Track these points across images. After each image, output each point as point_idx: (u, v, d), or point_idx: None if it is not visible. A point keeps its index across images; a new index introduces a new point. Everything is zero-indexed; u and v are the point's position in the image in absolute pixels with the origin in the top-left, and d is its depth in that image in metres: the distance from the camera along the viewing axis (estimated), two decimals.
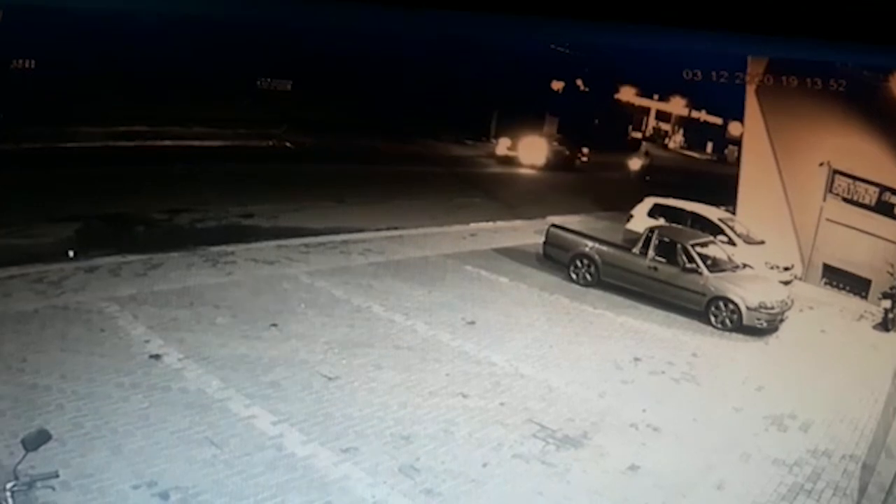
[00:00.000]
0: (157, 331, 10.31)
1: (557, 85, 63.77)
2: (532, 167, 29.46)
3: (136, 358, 9.40)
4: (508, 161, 36.89)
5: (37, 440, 5.07)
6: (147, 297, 11.58)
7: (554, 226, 16.75)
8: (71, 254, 12.91)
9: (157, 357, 9.48)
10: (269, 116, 34.13)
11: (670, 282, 14.05)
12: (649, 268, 14.23)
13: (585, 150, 34.05)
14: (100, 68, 28.51)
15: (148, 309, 11.10)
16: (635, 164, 31.09)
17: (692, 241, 14.54)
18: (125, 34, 30.34)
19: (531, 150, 30.83)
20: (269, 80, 41.50)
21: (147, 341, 9.92)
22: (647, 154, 47.31)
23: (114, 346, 9.64)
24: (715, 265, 14.45)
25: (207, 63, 31.26)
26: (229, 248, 14.65)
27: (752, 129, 20.80)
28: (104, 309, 10.82)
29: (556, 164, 30.84)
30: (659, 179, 28.84)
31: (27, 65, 28.73)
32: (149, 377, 8.94)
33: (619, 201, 24.81)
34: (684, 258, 13.99)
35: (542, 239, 16.66)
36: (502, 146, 32.13)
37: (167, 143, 27.62)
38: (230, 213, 18.08)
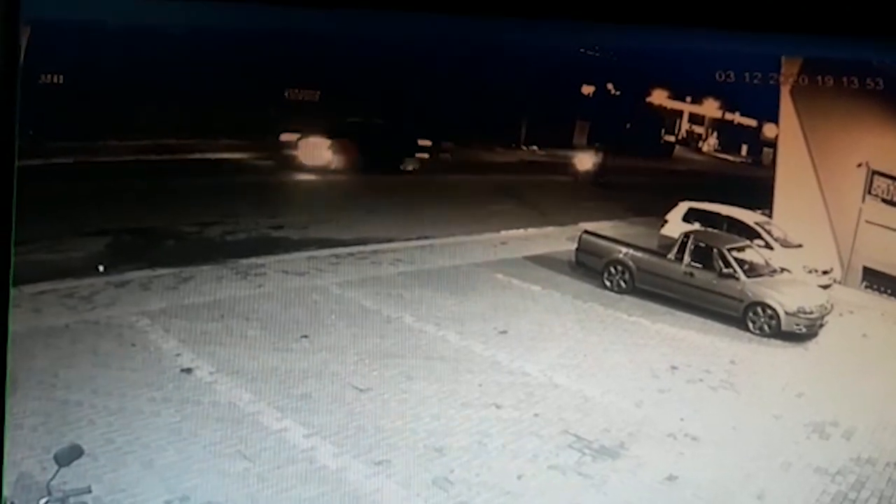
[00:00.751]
0: (188, 344, 10.35)
1: (588, 89, 63.55)
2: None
3: (167, 372, 9.45)
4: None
5: (69, 455, 5.16)
6: (178, 311, 11.62)
7: (586, 232, 16.62)
8: (101, 268, 12.98)
9: (188, 371, 9.52)
10: (297, 127, 34.37)
11: (707, 287, 13.90)
12: (685, 273, 14.08)
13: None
14: (127, 82, 28.96)
15: (179, 322, 11.15)
16: (584, 163, 30.16)
17: (728, 246, 14.37)
18: (152, 47, 30.87)
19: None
20: (297, 90, 41.75)
21: (178, 355, 9.97)
22: (599, 151, 46.06)
23: (145, 361, 9.70)
24: (752, 270, 14.27)
25: (236, 74, 31.65)
26: (259, 261, 14.60)
27: (787, 131, 20.49)
28: (135, 323, 10.90)
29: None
30: (614, 182, 28.60)
31: (55, 80, 29.21)
32: (180, 391, 8.97)
33: (652, 206, 24.61)
34: (721, 263, 13.84)
35: (574, 246, 16.55)
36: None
37: (196, 155, 27.88)
38: (260, 225, 18.08)
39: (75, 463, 5.38)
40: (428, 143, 21.78)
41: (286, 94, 40.34)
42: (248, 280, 14.35)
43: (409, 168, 21.73)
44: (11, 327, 9.46)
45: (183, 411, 8.75)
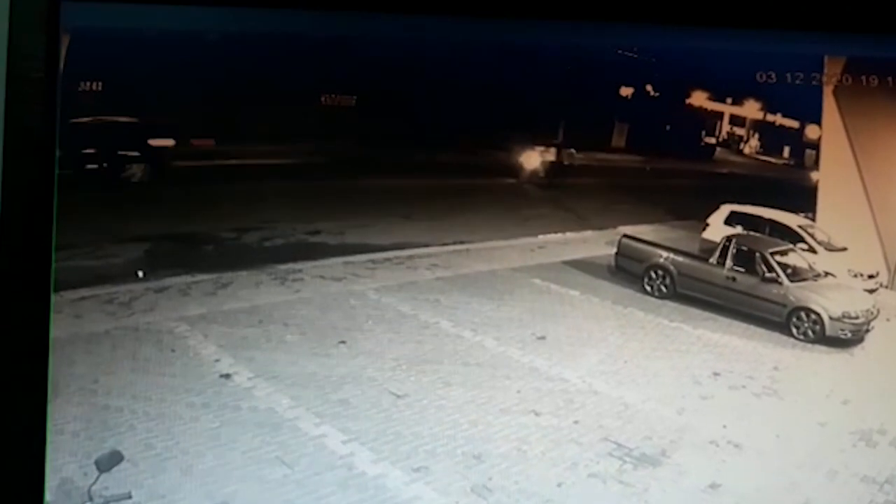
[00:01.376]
0: (227, 350, 10.50)
1: (626, 91, 63.13)
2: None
3: (206, 377, 9.59)
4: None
5: (110, 461, 5.30)
6: (216, 317, 11.81)
7: (626, 236, 16.51)
8: (140, 274, 13.26)
9: (227, 376, 9.65)
10: (334, 132, 34.77)
11: (749, 292, 13.74)
12: (727, 278, 13.93)
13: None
14: (165, 87, 29.74)
15: (217, 328, 11.32)
16: (531, 161, 29.72)
17: (771, 250, 14.19)
18: (189, 52, 31.60)
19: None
20: (333, 95, 42.18)
21: (217, 360, 10.11)
22: (552, 147, 45.26)
23: (184, 366, 9.85)
24: (795, 274, 14.08)
25: (273, 80, 32.30)
26: (297, 266, 14.77)
27: (830, 132, 20.13)
28: (174, 329, 11.08)
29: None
30: (571, 184, 28.38)
31: (94, 87, 29.97)
32: (219, 396, 9.10)
33: (694, 210, 24.46)
34: (763, 267, 13.66)
35: (613, 250, 16.48)
36: None
37: (233, 161, 28.42)
38: (297, 231, 18.33)
39: (116, 468, 5.50)
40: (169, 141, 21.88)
41: (322, 98, 41.13)
42: (285, 286, 14.77)
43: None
44: (53, 333, 9.74)
45: (222, 416, 8.86)
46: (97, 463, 5.73)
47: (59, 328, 9.38)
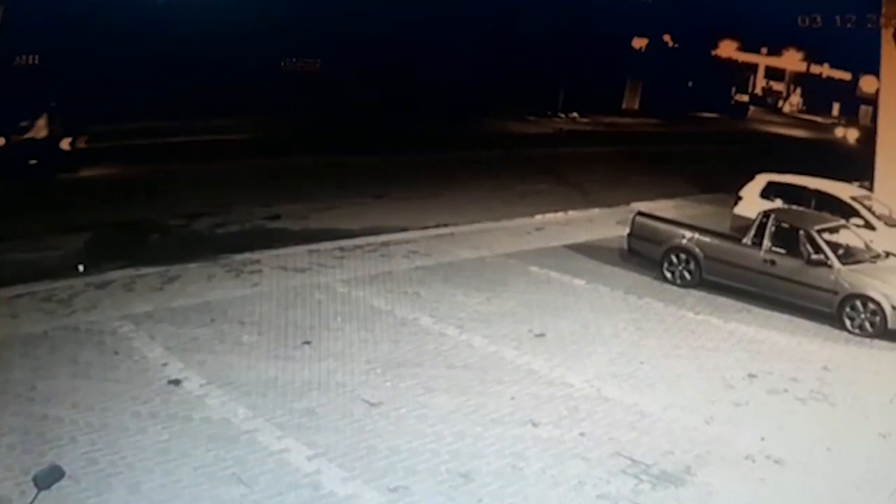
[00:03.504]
0: (176, 352, 10.58)
1: (639, 42, 63.40)
2: None
3: (153, 384, 9.65)
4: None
5: (49, 478, 5.26)
6: (164, 315, 11.99)
7: (641, 213, 16.54)
8: (81, 268, 13.65)
9: (176, 382, 9.70)
10: (295, 100, 34.63)
11: (792, 278, 13.77)
12: (765, 261, 13.97)
13: None
14: (105, 59, 29.95)
15: (165, 328, 11.47)
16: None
17: (818, 227, 14.21)
18: (128, 19, 31.73)
19: None
20: (294, 59, 42.29)
21: (165, 364, 10.17)
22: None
23: (129, 371, 9.94)
24: (848, 255, 14.11)
25: (223, 44, 32.47)
26: (254, 256, 15.05)
27: (890, 85, 20.09)
28: (118, 329, 11.21)
29: None
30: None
31: (31, 61, 30.30)
32: (168, 405, 9.14)
33: (723, 181, 24.48)
34: (809, 248, 13.69)
35: (626, 230, 16.51)
36: None
37: (182, 138, 28.57)
38: (254, 216, 18.54)
39: (56, 486, 5.47)
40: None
41: (282, 63, 41.19)
42: (241, 278, 14.50)
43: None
44: None
45: (171, 428, 8.86)
46: (35, 479, 5.66)
47: None
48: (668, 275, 14.82)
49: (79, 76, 27.73)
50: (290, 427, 8.99)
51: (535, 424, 9.35)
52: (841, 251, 13.95)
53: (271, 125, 31.93)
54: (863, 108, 53.17)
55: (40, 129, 21.96)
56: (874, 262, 13.98)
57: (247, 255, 14.73)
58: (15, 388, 9.37)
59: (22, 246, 14.83)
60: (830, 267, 13.46)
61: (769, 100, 64.58)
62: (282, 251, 15.31)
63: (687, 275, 14.67)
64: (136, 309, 11.92)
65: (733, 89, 64.36)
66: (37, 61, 30.03)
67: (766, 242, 14.05)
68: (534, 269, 15.11)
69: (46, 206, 17.85)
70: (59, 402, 9.07)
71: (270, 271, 14.04)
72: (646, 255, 15.44)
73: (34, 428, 8.55)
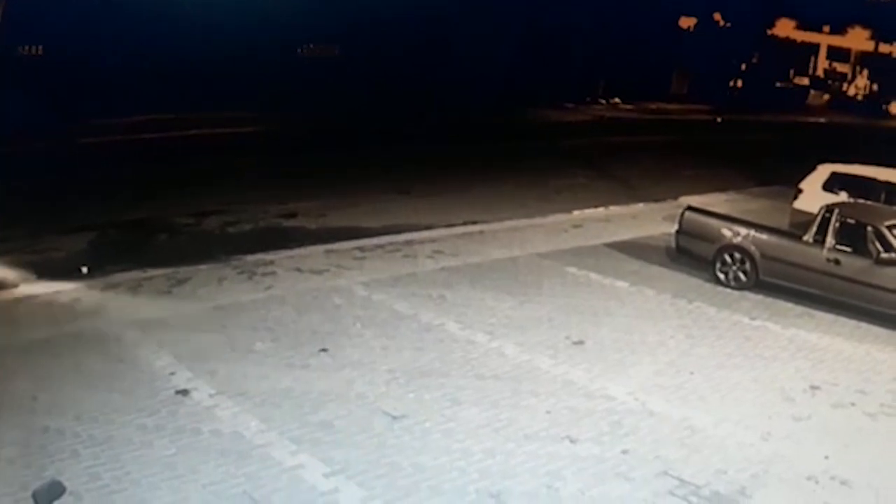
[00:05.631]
0: (185, 360, 10.70)
1: (687, 22, 63.15)
2: None
3: (160, 394, 9.76)
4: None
5: (49, 494, 5.34)
6: (172, 320, 12.23)
7: (690, 209, 16.43)
8: (85, 270, 14.14)
9: (184, 392, 9.80)
10: (313, 89, 34.79)
11: (859, 279, 13.63)
12: (828, 260, 13.84)
13: None
14: (111, 50, 30.36)
15: (173, 334, 11.71)
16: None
17: (889, 222, 14.04)
18: (135, 11, 32.11)
19: None
20: (310, 45, 42.53)
21: (172, 374, 10.28)
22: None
23: (135, 381, 10.07)
24: None
25: (237, 33, 32.76)
26: (268, 257, 15.29)
27: None
28: (123, 335, 11.46)
29: None
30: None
31: (34, 51, 30.93)
32: (175, 417, 9.22)
33: (781, 172, 24.29)
34: (878, 245, 13.54)
35: (674, 227, 16.40)
36: None
37: (193, 132, 28.89)
38: (269, 214, 18.71)
39: (56, 503, 5.51)
40: None
41: (299, 50, 41.57)
42: (254, 281, 14.71)
43: None
44: None
45: (178, 442, 8.93)
46: (35, 496, 5.72)
47: None
48: (721, 276, 14.72)
49: (84, 67, 28.15)
50: (306, 441, 9.00)
51: (572, 441, 9.30)
52: None
53: (288, 117, 32.22)
54: None
55: None
56: None
57: (260, 256, 14.92)
58: (15, 398, 9.58)
59: (22, 247, 15.11)
60: None
61: (832, 83, 64.30)
62: (297, 251, 15.50)
63: (742, 276, 14.55)
64: (142, 314, 12.15)
65: (791, 71, 64.20)
66: (40, 52, 30.67)
67: (830, 240, 13.91)
68: (571, 270, 15.04)
69: (48, 204, 18.16)
70: (61, 413, 9.24)
71: (285, 273, 14.18)
72: (696, 254, 15.34)
73: (34, 441, 8.68)
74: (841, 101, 56.28)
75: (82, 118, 25.18)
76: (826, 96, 56.53)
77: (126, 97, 27.70)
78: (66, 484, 5.88)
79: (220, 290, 13.21)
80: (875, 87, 59.97)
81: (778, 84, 57.32)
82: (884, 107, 54.51)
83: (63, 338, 11.09)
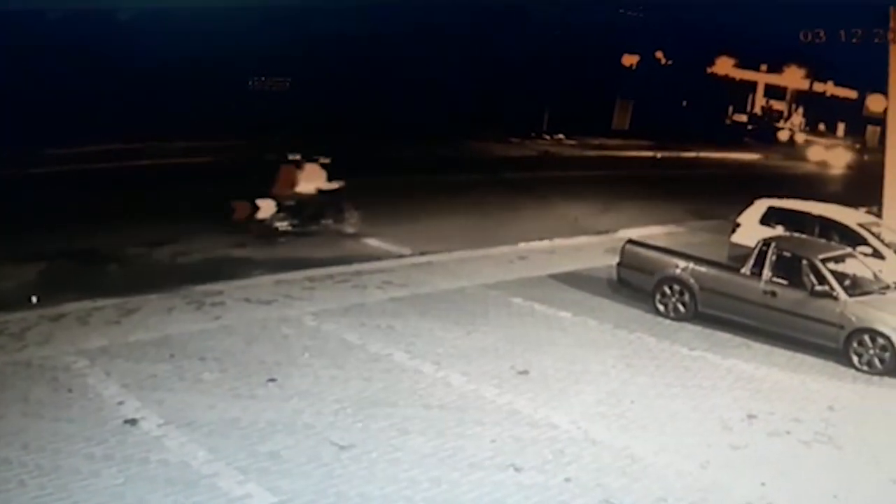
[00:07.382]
0: (133, 390, 10.57)
1: (630, 59, 63.85)
2: None
3: (108, 423, 9.64)
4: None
5: None
6: (121, 350, 12.03)
7: (631, 242, 16.57)
8: (34, 300, 13.86)
9: (132, 422, 9.68)
10: (263, 122, 34.78)
11: (795, 310, 13.80)
12: (765, 293, 14.01)
13: None
14: (62, 80, 30.10)
15: (122, 364, 11.51)
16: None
17: (823, 255, 14.25)
18: (85, 38, 31.91)
19: None
20: (262, 78, 42.47)
21: (121, 403, 10.15)
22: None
23: (83, 410, 9.92)
24: (856, 286, 14.15)
25: (187, 65, 32.66)
26: (217, 287, 15.08)
27: None
28: (71, 365, 11.25)
29: None
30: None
31: None
32: (123, 447, 9.12)
33: (719, 207, 24.64)
34: (813, 278, 13.73)
35: (615, 260, 16.58)
36: None
37: (144, 162, 28.68)
38: (218, 244, 18.47)
39: None
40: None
41: (249, 83, 41.37)
42: (203, 311, 14.52)
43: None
44: None
45: (127, 471, 8.83)
46: None
47: None
48: (661, 307, 14.84)
49: (35, 97, 27.84)
50: (254, 471, 8.95)
51: (517, 469, 9.33)
52: (847, 282, 14.01)
53: (238, 147, 31.70)
54: (870, 128, 54.32)
55: None
56: (883, 294, 14.04)
57: (209, 286, 14.72)
58: None
59: None
60: (836, 299, 13.52)
61: (769, 120, 65.43)
62: (247, 282, 15.36)
63: (681, 307, 14.69)
64: (91, 343, 11.96)
65: (730, 108, 65.18)
66: None
67: (767, 272, 14.09)
68: (517, 300, 15.11)
69: None
70: (8, 443, 9.05)
71: (234, 303, 14.02)
72: (637, 286, 15.45)
73: None
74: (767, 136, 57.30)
75: (32, 147, 24.90)
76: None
77: (77, 126, 27.40)
78: None
79: (169, 319, 13.02)
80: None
81: (727, 122, 58.36)
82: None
83: (11, 366, 10.91)
